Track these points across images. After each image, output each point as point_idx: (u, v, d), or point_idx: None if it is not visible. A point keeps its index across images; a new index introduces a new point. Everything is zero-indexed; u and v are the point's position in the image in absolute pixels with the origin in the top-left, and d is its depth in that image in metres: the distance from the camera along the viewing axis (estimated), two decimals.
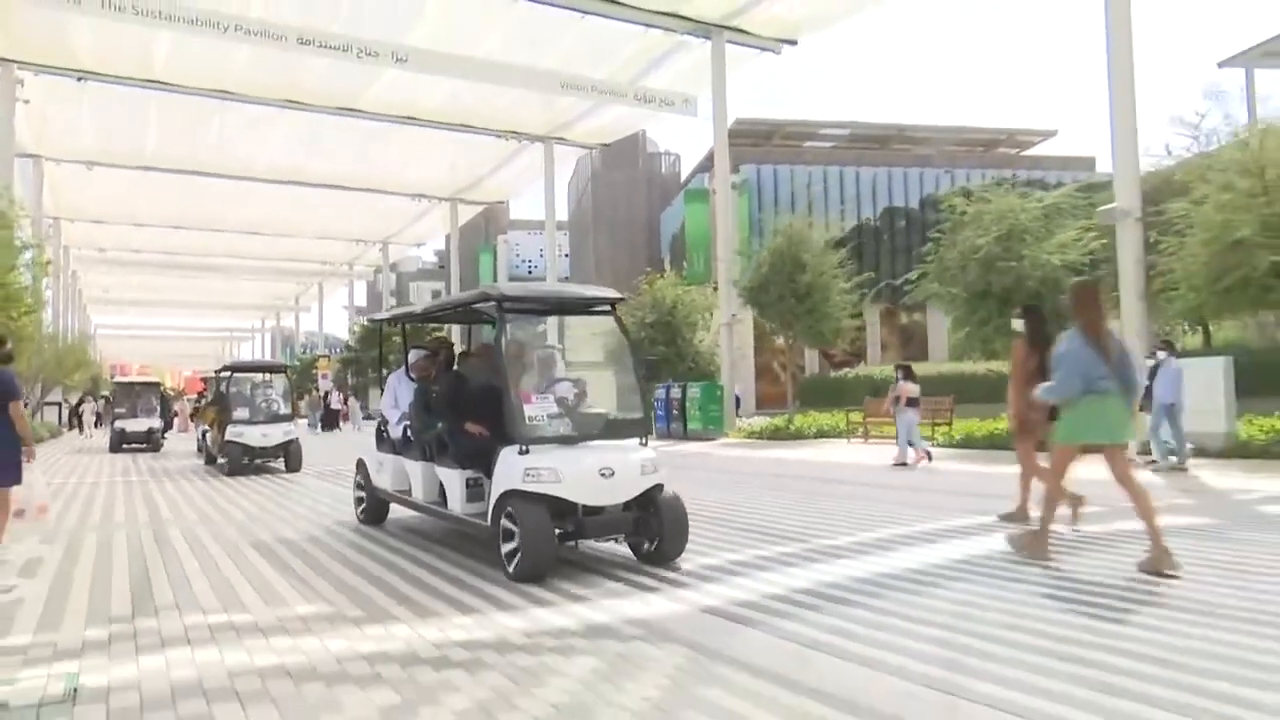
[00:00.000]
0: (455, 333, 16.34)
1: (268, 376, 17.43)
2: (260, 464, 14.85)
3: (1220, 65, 30.43)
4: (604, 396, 6.81)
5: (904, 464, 13.19)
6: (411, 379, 7.80)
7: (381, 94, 25.24)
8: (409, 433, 7.43)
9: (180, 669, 3.82)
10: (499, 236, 69.12)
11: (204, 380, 27.18)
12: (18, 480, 5.96)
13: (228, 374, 16.60)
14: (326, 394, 36.58)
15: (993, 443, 15.72)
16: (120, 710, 3.32)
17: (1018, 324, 7.17)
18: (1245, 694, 3.25)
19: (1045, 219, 16.48)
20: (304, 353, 60.68)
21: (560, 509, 5.51)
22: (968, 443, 16.41)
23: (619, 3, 21.43)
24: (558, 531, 5.50)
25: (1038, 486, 6.53)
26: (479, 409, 6.29)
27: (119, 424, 22.05)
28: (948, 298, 17.03)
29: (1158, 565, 5.22)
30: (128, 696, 3.46)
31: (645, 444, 6.07)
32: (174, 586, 5.60)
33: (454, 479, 6.37)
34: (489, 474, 5.90)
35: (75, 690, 3.52)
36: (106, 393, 37.36)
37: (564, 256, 62.85)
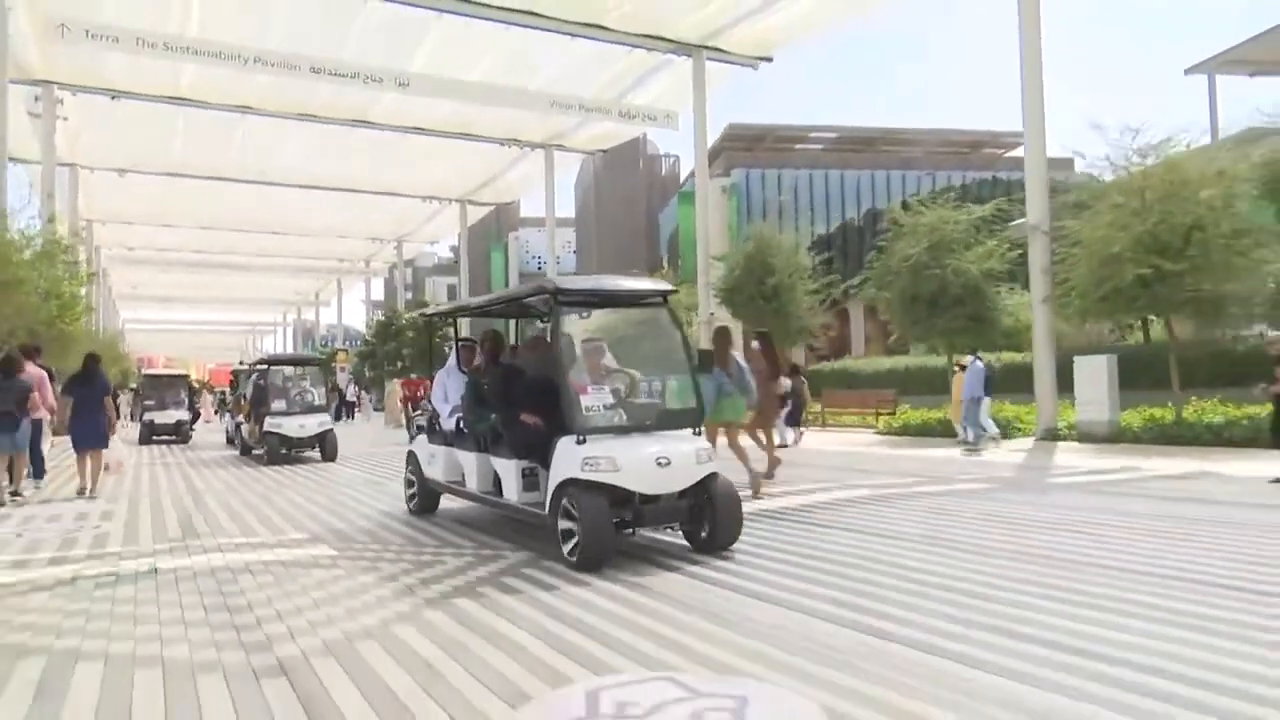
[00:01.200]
0: (466, 327, 18.24)
1: (303, 369, 17.79)
2: (296, 454, 15.35)
3: (1186, 72, 31.96)
4: (657, 387, 7.01)
5: (784, 444, 15.31)
6: (463, 371, 7.92)
7: (389, 108, 27.37)
8: (461, 424, 7.47)
9: (215, 561, 6.18)
10: (510, 234, 71.47)
11: (233, 372, 28.80)
12: (106, 445, 9.12)
13: (265, 366, 17.09)
14: (342, 386, 38.97)
15: (922, 430, 17.74)
16: (183, 577, 5.67)
17: (755, 344, 9.89)
18: (879, 579, 5.30)
19: (975, 230, 18.38)
20: (324, 346, 62.92)
21: (618, 498, 5.65)
22: (903, 430, 18.33)
23: (605, 27, 23.44)
24: (615, 520, 5.66)
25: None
26: (532, 400, 6.40)
27: (148, 416, 22.39)
28: (883, 301, 19.03)
29: (755, 490, 8.63)
30: (186, 571, 5.84)
31: (699, 434, 6.19)
32: (210, 525, 7.99)
33: (510, 469, 6.50)
34: (544, 464, 6.01)
35: (155, 569, 5.90)
36: (135, 385, 39.45)
37: (572, 253, 65.10)
